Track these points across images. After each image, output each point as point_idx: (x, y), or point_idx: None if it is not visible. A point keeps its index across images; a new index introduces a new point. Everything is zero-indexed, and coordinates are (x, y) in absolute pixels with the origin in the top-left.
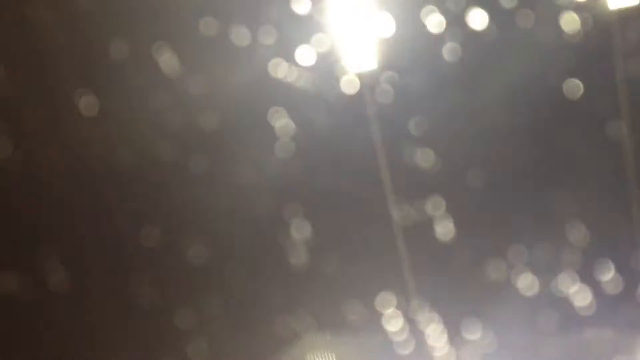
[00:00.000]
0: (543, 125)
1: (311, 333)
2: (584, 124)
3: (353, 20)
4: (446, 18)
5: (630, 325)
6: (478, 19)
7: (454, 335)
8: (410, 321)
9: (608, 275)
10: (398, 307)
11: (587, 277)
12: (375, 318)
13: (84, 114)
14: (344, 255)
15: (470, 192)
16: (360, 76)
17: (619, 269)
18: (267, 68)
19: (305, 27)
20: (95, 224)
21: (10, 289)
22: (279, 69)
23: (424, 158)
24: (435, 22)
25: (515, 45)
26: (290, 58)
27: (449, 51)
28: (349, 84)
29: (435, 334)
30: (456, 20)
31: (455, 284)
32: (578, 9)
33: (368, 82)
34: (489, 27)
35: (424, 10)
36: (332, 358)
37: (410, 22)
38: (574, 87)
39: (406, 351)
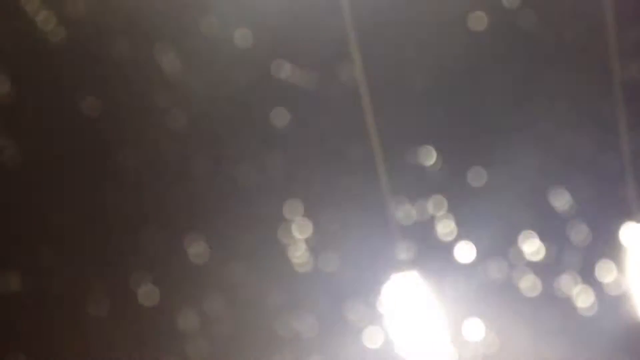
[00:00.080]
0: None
1: (312, 333)
2: (585, 124)
3: None
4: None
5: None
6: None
7: (456, 336)
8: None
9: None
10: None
11: (589, 278)
12: (376, 318)
13: (85, 113)
14: (344, 255)
15: (470, 192)
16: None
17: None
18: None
19: None
20: (95, 223)
21: (8, 289)
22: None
23: (424, 157)
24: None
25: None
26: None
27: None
28: None
29: (437, 334)
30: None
31: (455, 285)
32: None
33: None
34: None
35: None
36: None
37: None
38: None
39: (407, 351)
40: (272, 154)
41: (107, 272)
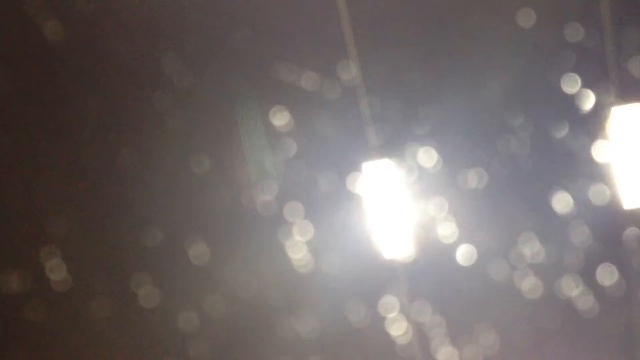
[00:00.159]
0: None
1: (312, 333)
2: (584, 124)
3: None
4: None
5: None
6: None
7: (457, 336)
8: (414, 323)
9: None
10: (400, 308)
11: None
12: (377, 321)
13: (86, 114)
14: (344, 255)
15: (471, 193)
16: None
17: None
18: None
19: None
20: (96, 223)
21: (9, 289)
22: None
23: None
24: None
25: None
26: None
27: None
28: None
29: (438, 335)
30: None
31: (456, 285)
32: None
33: None
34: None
35: None
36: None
37: None
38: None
39: (408, 351)
40: (273, 153)
41: (107, 272)
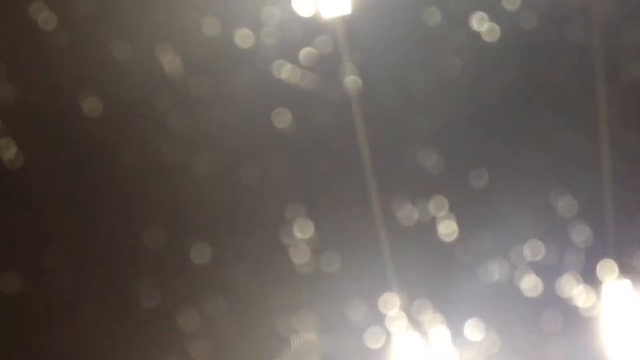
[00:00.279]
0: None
1: (313, 333)
2: (587, 123)
3: None
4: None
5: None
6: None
7: (457, 336)
8: (413, 322)
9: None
10: (400, 308)
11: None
12: (377, 318)
13: (86, 114)
14: (344, 255)
15: (471, 192)
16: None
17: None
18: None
19: None
20: (97, 223)
21: (10, 289)
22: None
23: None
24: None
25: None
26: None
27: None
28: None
29: (438, 335)
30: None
31: (456, 284)
32: None
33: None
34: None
35: None
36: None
37: None
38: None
39: (409, 351)
40: (273, 154)
41: (107, 273)
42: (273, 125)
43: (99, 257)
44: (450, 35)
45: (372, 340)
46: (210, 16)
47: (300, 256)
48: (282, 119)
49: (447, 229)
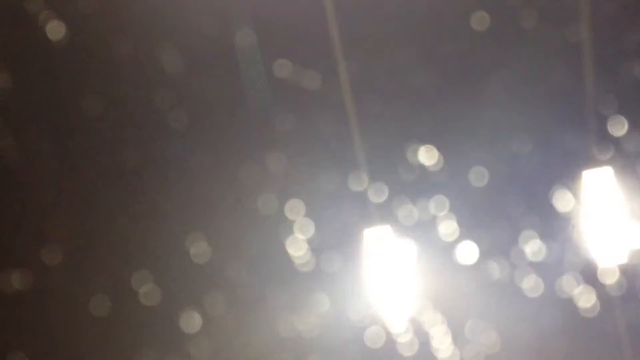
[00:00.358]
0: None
1: (313, 333)
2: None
3: None
4: None
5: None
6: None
7: (457, 336)
8: (414, 321)
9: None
10: (400, 308)
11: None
12: (377, 318)
13: (86, 113)
14: (345, 255)
15: (471, 192)
16: None
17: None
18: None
19: None
20: (96, 223)
21: (9, 288)
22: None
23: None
24: None
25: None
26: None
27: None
28: None
29: (439, 334)
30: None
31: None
32: None
33: None
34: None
35: None
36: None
37: None
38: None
39: (409, 351)
40: (273, 153)
41: (107, 272)
42: (273, 124)
43: (98, 256)
44: (449, 32)
45: (372, 340)
46: (210, 16)
47: (300, 256)
48: (282, 118)
49: (448, 228)
